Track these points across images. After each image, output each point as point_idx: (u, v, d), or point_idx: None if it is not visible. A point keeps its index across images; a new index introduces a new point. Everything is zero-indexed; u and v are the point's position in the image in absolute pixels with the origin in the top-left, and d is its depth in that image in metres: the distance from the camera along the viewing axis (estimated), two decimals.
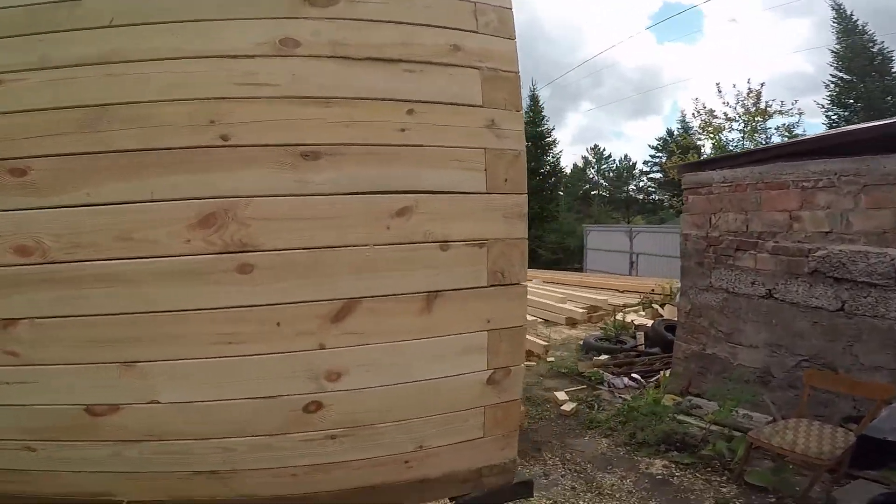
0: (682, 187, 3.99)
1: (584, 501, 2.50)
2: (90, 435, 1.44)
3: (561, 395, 4.24)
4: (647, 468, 2.79)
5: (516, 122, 1.48)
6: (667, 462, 2.83)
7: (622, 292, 10.02)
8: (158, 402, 1.42)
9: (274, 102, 1.28)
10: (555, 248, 18.01)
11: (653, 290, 8.90)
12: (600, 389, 4.39)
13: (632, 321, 6.88)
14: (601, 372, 4.76)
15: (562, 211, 20.68)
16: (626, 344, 5.85)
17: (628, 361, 5.09)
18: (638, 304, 8.38)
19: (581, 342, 6.11)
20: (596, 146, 32.32)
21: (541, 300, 8.80)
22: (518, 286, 1.54)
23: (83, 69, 1.23)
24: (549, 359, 5.64)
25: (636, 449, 3.04)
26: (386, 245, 1.39)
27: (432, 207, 1.42)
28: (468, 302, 1.49)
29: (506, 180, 1.47)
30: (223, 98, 1.26)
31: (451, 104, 1.40)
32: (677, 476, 2.66)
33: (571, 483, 2.70)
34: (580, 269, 15.47)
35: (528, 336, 6.29)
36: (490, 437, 1.66)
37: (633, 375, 4.59)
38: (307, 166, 1.31)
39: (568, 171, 29.89)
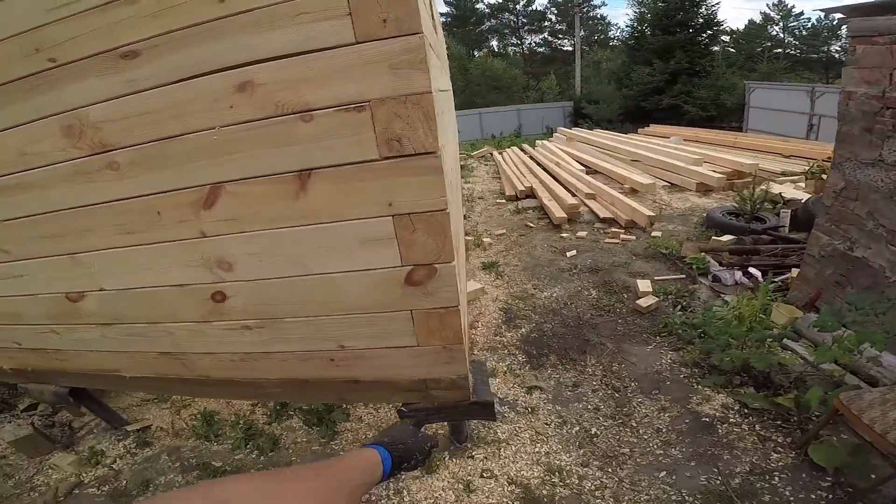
0: (849, 34, 2.62)
1: (598, 428, 2.07)
2: (78, 318, 1.64)
3: (643, 285, 3.42)
4: (699, 404, 2.16)
5: None
6: (731, 401, 2.15)
7: (787, 157, 7.78)
8: (104, 290, 1.57)
9: (87, 16, 1.17)
10: (705, 105, 14.97)
11: (829, 157, 6.61)
12: (701, 283, 3.45)
13: (779, 193, 5.14)
14: (707, 259, 3.64)
15: (719, 66, 17.34)
16: (764, 223, 4.36)
17: (750, 249, 3.73)
18: (802, 174, 6.31)
19: (705, 215, 4.84)
20: (781, 1, 25.10)
21: (668, 160, 7.29)
22: (428, 157, 1.14)
23: None
24: (654, 233, 4.63)
25: (703, 374, 2.36)
26: (233, 125, 1.16)
27: (280, 75, 1.11)
28: (356, 180, 1.17)
29: (385, 22, 1.04)
30: (41, 26, 1.21)
31: None
32: (731, 422, 2.01)
33: (598, 402, 2.23)
34: (739, 129, 12.80)
35: (631, 202, 5.32)
36: (428, 348, 1.43)
37: (751, 270, 3.39)
38: (129, 65, 1.18)
39: (738, 26, 24.54)
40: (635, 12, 18.76)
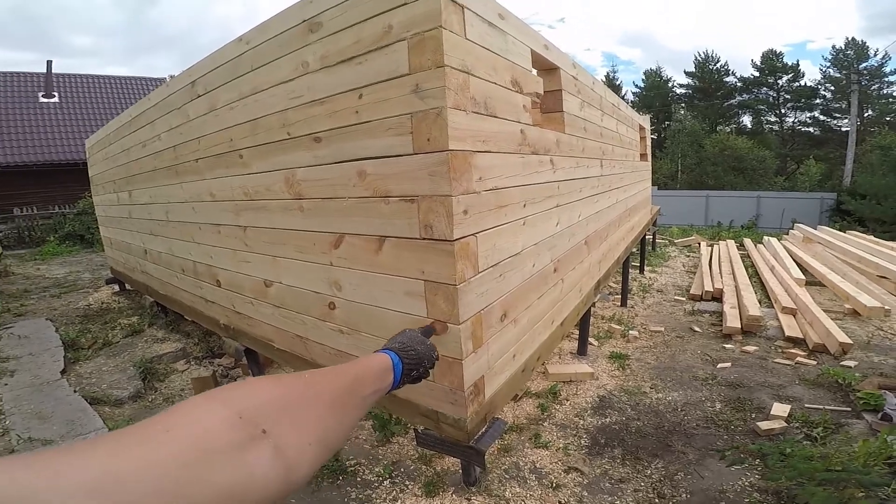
0: None
1: None
2: (265, 297, 2.65)
3: (779, 409, 2.97)
4: None
5: (438, 78, 1.48)
6: None
7: None
8: (282, 283, 2.56)
9: (303, 107, 2.00)
10: None
11: None
12: (864, 419, 2.85)
13: None
14: (885, 395, 2.99)
15: None
16: None
17: None
18: None
19: None
20: None
21: None
22: (445, 243, 1.60)
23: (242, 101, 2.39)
24: (847, 362, 3.82)
25: None
26: (354, 198, 1.87)
27: (378, 170, 1.75)
28: (406, 250, 1.74)
29: (428, 140, 1.55)
30: (286, 109, 2.09)
31: (386, 80, 1.61)
32: None
33: (630, 502, 2.08)
34: None
35: (827, 322, 4.47)
36: (439, 386, 1.85)
37: None
38: (317, 146, 1.98)
39: None
40: None
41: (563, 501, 2.25)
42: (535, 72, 2.68)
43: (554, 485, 2.38)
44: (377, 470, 2.59)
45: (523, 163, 2.15)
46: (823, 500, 1.84)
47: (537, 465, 2.54)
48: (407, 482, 2.46)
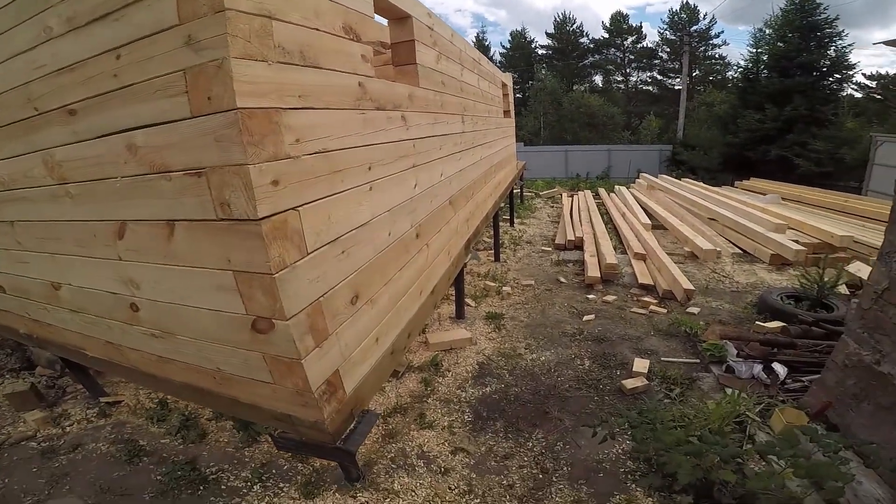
0: None
1: None
2: (59, 302, 2.15)
3: (639, 365, 3.22)
4: None
5: (218, 25, 1.17)
6: None
7: None
8: (72, 285, 2.02)
9: (50, 77, 1.57)
10: (821, 159, 12.84)
11: None
12: (711, 372, 3.17)
13: (861, 280, 4.34)
14: (726, 346, 3.34)
15: (845, 115, 14.75)
16: (832, 311, 3.76)
17: (785, 342, 3.27)
18: None
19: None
20: None
21: (744, 223, 6.48)
22: (250, 223, 1.29)
23: None
24: (691, 309, 4.29)
25: (643, 474, 2.12)
26: (128, 177, 1.46)
27: (151, 140, 1.37)
28: (203, 235, 1.40)
29: (209, 98, 1.23)
30: (29, 82, 1.66)
31: (150, 35, 1.28)
32: None
33: (517, 480, 2.12)
34: (858, 191, 11.04)
35: (674, 270, 5.00)
36: (283, 388, 1.61)
37: (775, 365, 2.99)
38: (73, 120, 1.56)
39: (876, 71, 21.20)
40: (750, 52, 16.63)
41: (453, 487, 2.19)
42: (383, 21, 2.44)
43: (443, 469, 2.29)
44: (244, 475, 2.32)
45: (364, 120, 1.85)
46: (689, 472, 1.94)
47: (424, 450, 2.44)
48: (281, 484, 2.24)
